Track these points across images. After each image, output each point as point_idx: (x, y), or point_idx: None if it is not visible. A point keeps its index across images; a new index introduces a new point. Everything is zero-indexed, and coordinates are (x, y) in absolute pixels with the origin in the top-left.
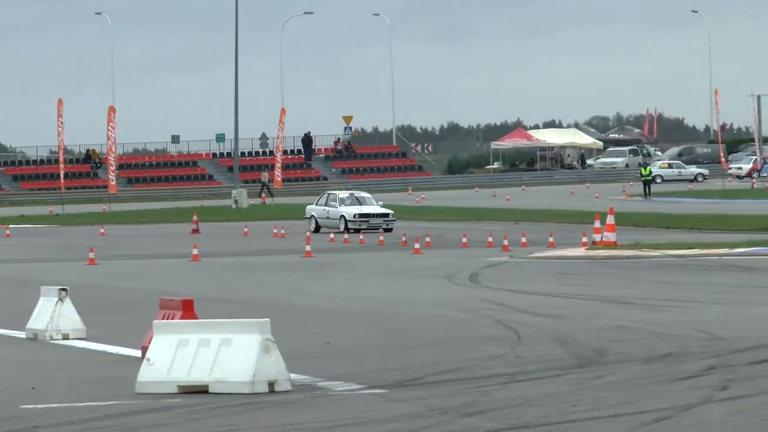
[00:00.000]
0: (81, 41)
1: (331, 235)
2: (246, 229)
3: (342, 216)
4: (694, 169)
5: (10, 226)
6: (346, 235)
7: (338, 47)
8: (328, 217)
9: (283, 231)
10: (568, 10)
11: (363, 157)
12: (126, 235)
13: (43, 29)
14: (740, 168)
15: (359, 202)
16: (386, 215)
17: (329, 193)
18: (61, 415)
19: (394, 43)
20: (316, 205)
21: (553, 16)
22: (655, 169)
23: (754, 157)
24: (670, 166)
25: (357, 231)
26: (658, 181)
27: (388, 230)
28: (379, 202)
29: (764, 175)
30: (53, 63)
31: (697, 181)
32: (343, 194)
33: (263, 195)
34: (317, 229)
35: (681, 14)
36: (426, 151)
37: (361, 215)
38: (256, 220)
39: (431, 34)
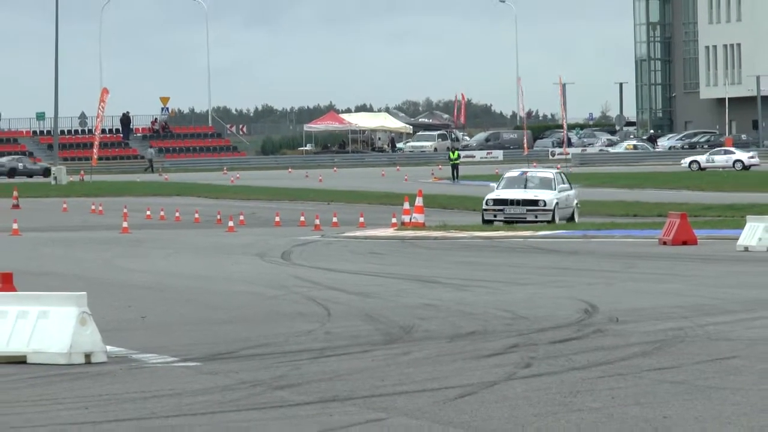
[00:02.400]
0: None
1: (148, 212)
2: (65, 205)
3: None
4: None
5: None
6: (162, 212)
7: (157, 31)
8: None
9: (101, 207)
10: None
11: (180, 137)
12: None
13: None
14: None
15: (524, 184)
16: (535, 202)
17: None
18: None
19: (210, 28)
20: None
21: (365, 5)
22: None
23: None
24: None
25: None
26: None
27: (545, 221)
28: (572, 187)
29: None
30: None
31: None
32: (513, 172)
33: (151, 171)
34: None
35: (490, 4)
36: (241, 133)
37: (498, 201)
38: (76, 197)
39: (247, 20)
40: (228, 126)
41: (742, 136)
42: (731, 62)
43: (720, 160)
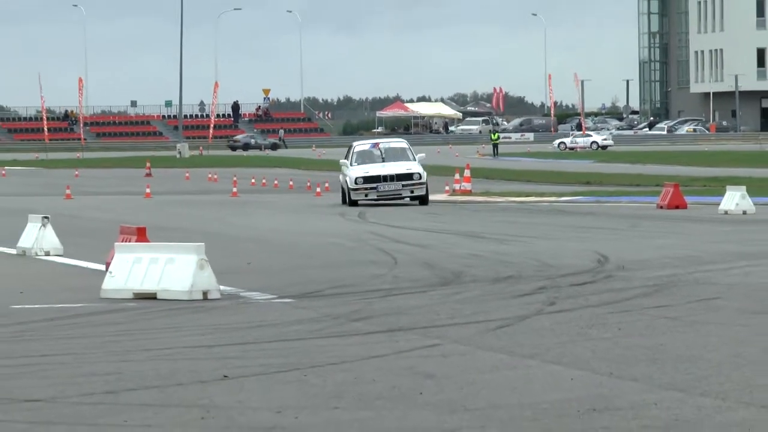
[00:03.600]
0: (61, 25)
1: (253, 180)
2: (187, 174)
3: (346, 180)
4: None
5: (6, 168)
6: (264, 180)
7: (261, 35)
8: (345, 182)
9: (215, 175)
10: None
11: (277, 120)
12: (94, 177)
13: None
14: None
15: (382, 157)
16: (409, 176)
17: (352, 145)
18: (41, 314)
19: (303, 33)
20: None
21: (426, 16)
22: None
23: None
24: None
25: (368, 203)
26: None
27: (416, 199)
28: (419, 155)
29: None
30: (38, 41)
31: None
32: (362, 145)
33: (284, 147)
34: (344, 201)
35: (525, 17)
36: (326, 118)
37: (367, 179)
38: (195, 167)
39: (332, 28)
40: (316, 112)
41: (723, 122)
42: (715, 64)
43: (581, 141)
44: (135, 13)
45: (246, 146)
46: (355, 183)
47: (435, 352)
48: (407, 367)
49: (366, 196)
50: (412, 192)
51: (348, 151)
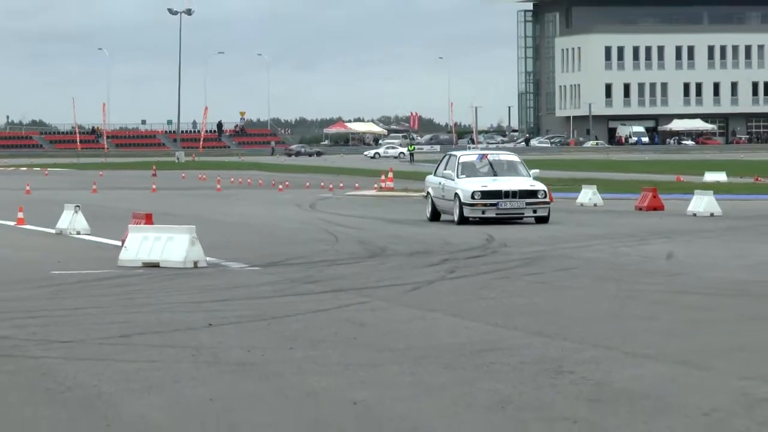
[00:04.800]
0: (90, 62)
1: (231, 179)
2: (183, 175)
3: (456, 194)
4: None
5: (48, 169)
6: (240, 180)
7: (239, 71)
8: (443, 197)
9: (204, 175)
10: (374, 55)
11: (251, 135)
12: (114, 176)
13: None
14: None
15: (494, 170)
16: (533, 193)
17: (449, 155)
18: (74, 278)
19: (270, 70)
20: (434, 174)
21: (365, 58)
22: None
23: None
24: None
25: (481, 221)
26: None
27: (541, 219)
28: (533, 171)
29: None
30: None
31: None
32: (469, 156)
33: (273, 154)
34: (435, 216)
35: (434, 60)
36: (287, 133)
37: (486, 194)
38: (189, 169)
39: (292, 67)
40: (279, 129)
41: (580, 138)
42: (574, 95)
43: (391, 152)
44: (146, 55)
45: (297, 153)
46: (472, 198)
47: (366, 307)
48: (345, 318)
49: (483, 213)
50: (535, 212)
51: (442, 162)
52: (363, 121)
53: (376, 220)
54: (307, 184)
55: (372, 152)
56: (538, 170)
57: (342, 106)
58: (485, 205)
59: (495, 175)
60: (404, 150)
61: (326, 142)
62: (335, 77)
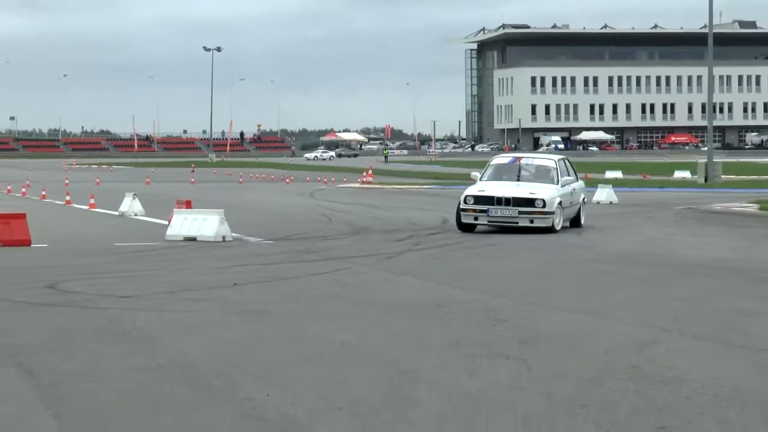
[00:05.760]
0: (143, 87)
1: (251, 175)
2: (214, 171)
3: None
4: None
5: (113, 166)
6: (258, 175)
7: (256, 93)
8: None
9: (230, 172)
10: (357, 82)
11: (266, 141)
12: (163, 172)
13: (129, 81)
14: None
15: (519, 174)
16: (530, 201)
17: (491, 159)
18: (132, 249)
19: (280, 92)
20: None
21: (351, 84)
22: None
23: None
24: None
25: (479, 227)
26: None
27: (542, 230)
28: (565, 178)
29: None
30: (131, 96)
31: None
32: (502, 159)
33: (290, 156)
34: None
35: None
36: (292, 140)
37: (479, 199)
38: (219, 168)
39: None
40: (287, 137)
41: (513, 145)
42: (507, 112)
43: (326, 155)
44: (186, 81)
45: (339, 156)
46: (464, 202)
47: (351, 272)
48: (335, 280)
49: (476, 219)
50: (531, 222)
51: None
52: (349, 131)
53: (359, 206)
54: (308, 178)
55: (312, 155)
56: (572, 178)
57: (333, 120)
58: (476, 211)
59: (518, 180)
60: (332, 154)
61: (322, 147)
62: (328, 98)
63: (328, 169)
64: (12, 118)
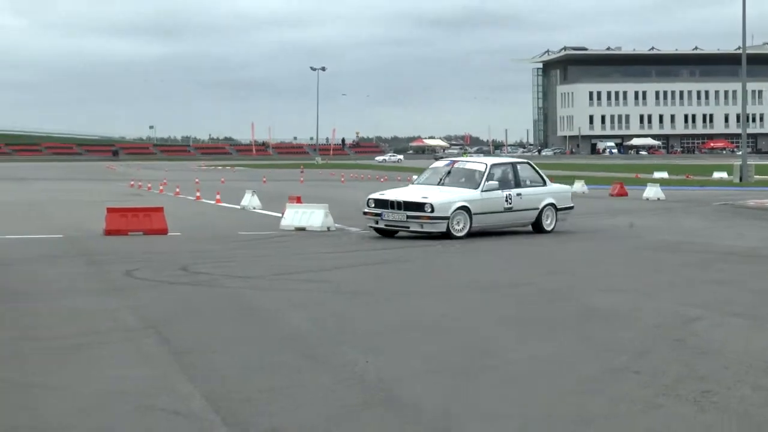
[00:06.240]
0: (261, 100)
1: (352, 174)
2: (320, 171)
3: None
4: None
5: (236, 168)
6: (356, 175)
7: (356, 108)
8: None
9: (333, 172)
10: (436, 95)
11: (363, 147)
12: (277, 173)
13: (246, 93)
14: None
15: (445, 177)
16: (419, 206)
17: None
18: (252, 237)
19: (379, 107)
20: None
21: (436, 96)
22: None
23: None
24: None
25: (382, 231)
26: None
27: (430, 236)
28: (490, 183)
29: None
30: (251, 109)
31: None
32: (440, 162)
33: (383, 159)
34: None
35: (473, 98)
36: (386, 146)
37: (378, 202)
38: (324, 169)
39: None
40: (381, 143)
41: (573, 150)
42: (569, 122)
43: (394, 159)
44: (296, 96)
45: (438, 158)
46: (366, 205)
47: (437, 256)
48: (423, 264)
49: (376, 223)
50: (421, 226)
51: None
52: (434, 138)
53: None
54: (398, 177)
55: (381, 158)
56: (556, 186)
57: (420, 128)
58: (375, 214)
59: (441, 183)
60: (401, 157)
61: (410, 152)
62: (416, 109)
63: (408, 170)
64: (151, 127)
